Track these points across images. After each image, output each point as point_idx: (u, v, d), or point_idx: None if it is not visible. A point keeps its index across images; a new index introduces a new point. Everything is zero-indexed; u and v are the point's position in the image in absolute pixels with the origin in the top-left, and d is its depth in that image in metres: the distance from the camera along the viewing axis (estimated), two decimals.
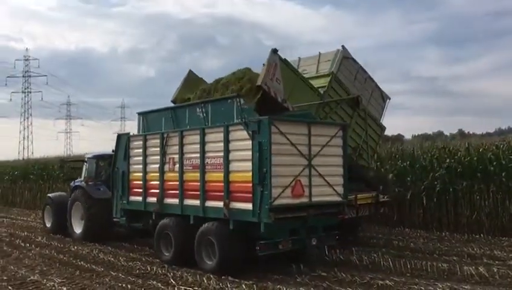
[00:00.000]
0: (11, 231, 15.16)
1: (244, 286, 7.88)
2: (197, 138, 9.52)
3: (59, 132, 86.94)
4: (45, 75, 75.29)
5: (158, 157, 10.40)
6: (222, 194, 8.91)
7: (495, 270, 8.67)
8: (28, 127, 75.54)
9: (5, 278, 9.05)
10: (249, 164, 8.46)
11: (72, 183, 14.33)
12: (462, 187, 13.32)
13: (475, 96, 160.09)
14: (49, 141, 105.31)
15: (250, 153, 8.46)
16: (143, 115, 11.89)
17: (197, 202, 9.45)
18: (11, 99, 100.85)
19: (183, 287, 7.95)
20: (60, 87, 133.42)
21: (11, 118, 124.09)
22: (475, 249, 10.79)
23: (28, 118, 76.19)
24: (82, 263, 10.27)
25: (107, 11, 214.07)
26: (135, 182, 11.15)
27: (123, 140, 11.77)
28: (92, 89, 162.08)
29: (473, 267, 8.87)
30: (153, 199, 10.46)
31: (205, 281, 8.31)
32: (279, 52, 10.07)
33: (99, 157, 14.05)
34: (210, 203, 9.23)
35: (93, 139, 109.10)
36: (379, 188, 12.20)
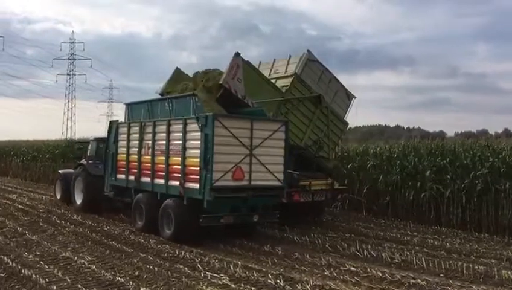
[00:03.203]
0: (48, 208, 15.57)
1: (270, 276, 7.77)
2: (164, 127, 11.18)
3: (101, 114, 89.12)
4: (89, 59, 77.16)
5: (137, 142, 12.08)
6: (180, 175, 10.50)
7: None
8: (71, 108, 77.74)
9: (38, 253, 9.26)
10: (198, 152, 10.12)
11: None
12: (504, 188, 12.72)
13: None
14: (91, 122, 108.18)
15: (199, 142, 10.09)
16: (129, 105, 13.83)
17: (162, 181, 11.14)
18: (56, 81, 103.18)
19: (209, 273, 7.90)
20: (104, 71, 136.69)
21: (56, 99, 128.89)
22: None
23: (71, 99, 78.41)
24: (113, 242, 10.43)
25: None
26: (121, 162, 12.95)
27: (113, 126, 13.46)
28: (134, 73, 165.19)
29: None
30: (133, 177, 12.20)
31: (232, 268, 8.25)
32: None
33: (99, 140, 15.56)
34: (171, 183, 10.88)
35: None
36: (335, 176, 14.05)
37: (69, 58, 77.93)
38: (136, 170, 12.08)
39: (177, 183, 10.63)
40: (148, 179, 11.64)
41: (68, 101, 77.97)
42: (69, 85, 78.47)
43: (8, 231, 11.51)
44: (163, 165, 11.10)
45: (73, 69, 78.54)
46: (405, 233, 12.51)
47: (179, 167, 10.60)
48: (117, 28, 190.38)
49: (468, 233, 12.69)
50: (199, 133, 10.08)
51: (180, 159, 10.60)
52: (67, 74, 78.46)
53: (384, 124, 70.86)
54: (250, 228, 11.35)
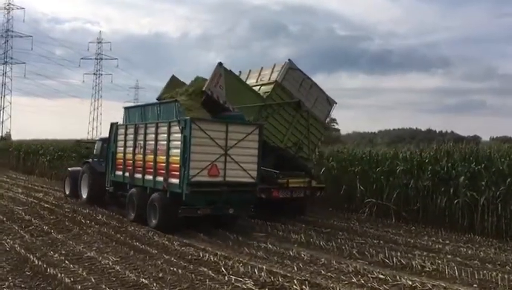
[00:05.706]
0: (74, 208, 15.61)
1: (295, 281, 7.55)
2: (153, 129, 12.54)
3: None
4: (116, 58, 78.57)
5: (132, 142, 13.48)
6: (164, 171, 11.87)
7: None
8: (97, 108, 79.26)
9: (63, 252, 9.30)
10: (179, 151, 11.40)
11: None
12: None
13: None
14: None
15: (179, 143, 11.37)
16: (126, 109, 15.56)
17: (151, 177, 12.49)
18: (83, 81, 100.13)
19: (233, 277, 7.74)
20: (130, 71, 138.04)
21: (83, 99, 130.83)
22: None
23: (98, 99, 79.86)
24: (137, 243, 10.37)
25: None
26: (119, 160, 14.33)
27: (113, 127, 14.79)
28: (160, 73, 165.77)
29: None
30: (128, 174, 13.61)
31: (256, 272, 8.06)
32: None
33: (104, 140, 16.67)
34: (158, 179, 12.22)
35: None
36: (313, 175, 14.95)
37: (95, 58, 79.48)
38: (130, 167, 13.48)
39: (162, 179, 11.89)
40: (140, 175, 13.03)
41: (94, 101, 79.56)
42: (96, 85, 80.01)
43: (34, 230, 11.61)
44: (152, 163, 12.45)
45: (100, 68, 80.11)
46: (436, 241, 12.06)
47: (164, 164, 11.91)
48: (144, 27, 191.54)
49: (504, 242, 12.14)
50: (180, 135, 11.35)
51: (165, 157, 11.91)
52: (94, 74, 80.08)
53: (415, 128, 69.66)
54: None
